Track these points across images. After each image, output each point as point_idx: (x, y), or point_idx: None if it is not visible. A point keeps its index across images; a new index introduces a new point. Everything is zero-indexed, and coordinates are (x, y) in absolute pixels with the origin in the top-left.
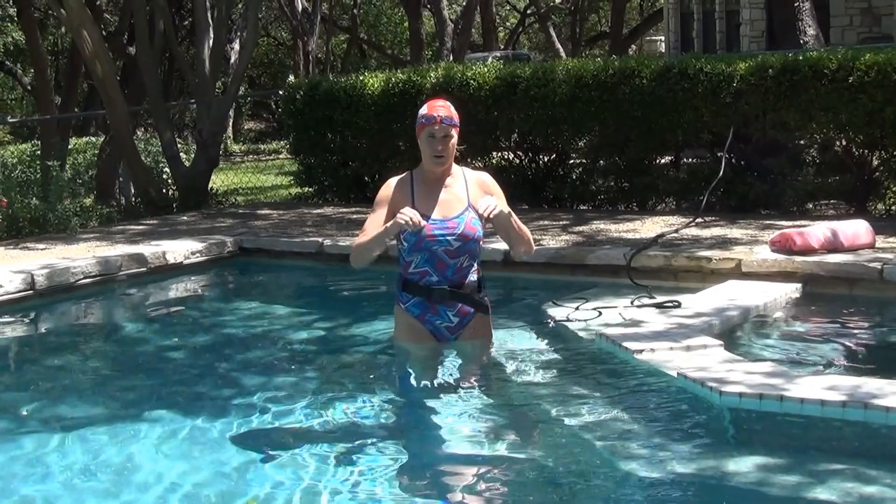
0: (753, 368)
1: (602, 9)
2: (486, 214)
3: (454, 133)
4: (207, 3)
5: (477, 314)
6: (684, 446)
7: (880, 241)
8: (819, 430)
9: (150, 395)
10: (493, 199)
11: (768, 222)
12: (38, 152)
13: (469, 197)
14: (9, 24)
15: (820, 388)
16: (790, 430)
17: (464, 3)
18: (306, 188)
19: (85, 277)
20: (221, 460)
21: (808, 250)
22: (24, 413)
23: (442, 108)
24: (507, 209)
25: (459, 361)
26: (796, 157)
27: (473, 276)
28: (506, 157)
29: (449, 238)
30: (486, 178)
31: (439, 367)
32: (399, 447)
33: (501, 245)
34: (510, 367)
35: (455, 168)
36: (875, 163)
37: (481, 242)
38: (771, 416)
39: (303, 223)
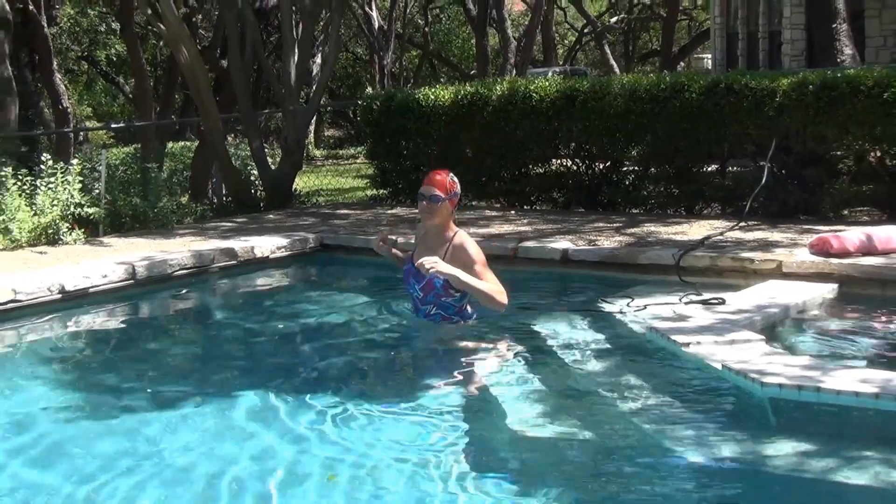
0: (792, 361)
1: (653, 28)
2: (422, 271)
3: (438, 206)
4: (293, 21)
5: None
6: (727, 432)
7: None
8: (853, 420)
9: (235, 377)
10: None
11: (807, 227)
12: (139, 155)
13: (445, 257)
14: (112, 38)
15: (854, 380)
16: (826, 419)
17: (526, 23)
18: (381, 190)
19: (181, 269)
20: (299, 434)
21: (844, 253)
22: (122, 389)
23: (431, 187)
24: (454, 272)
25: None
26: (833, 167)
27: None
28: (564, 164)
29: (416, 287)
30: (467, 246)
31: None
32: (463, 427)
33: (559, 244)
34: (567, 355)
35: (451, 233)
36: None
37: (449, 299)
38: (808, 406)
39: (378, 222)
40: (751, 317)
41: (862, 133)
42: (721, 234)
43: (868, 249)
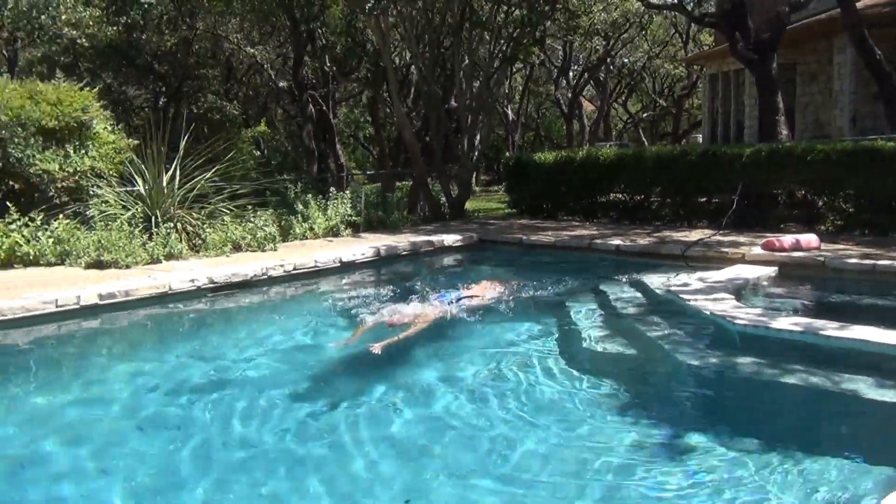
0: (751, 311)
1: (667, 120)
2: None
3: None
4: (466, 116)
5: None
6: (713, 351)
7: (823, 246)
8: (787, 346)
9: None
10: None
11: (760, 234)
12: (381, 189)
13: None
14: (366, 125)
15: (788, 323)
16: (770, 345)
17: (595, 116)
18: (513, 209)
19: (404, 251)
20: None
21: (782, 250)
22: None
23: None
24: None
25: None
26: (775, 199)
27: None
28: (617, 196)
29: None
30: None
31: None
32: (555, 344)
33: (614, 241)
34: (619, 304)
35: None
36: (819, 203)
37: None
38: (760, 337)
39: (511, 228)
40: (726, 284)
41: (792, 179)
42: (709, 237)
43: (797, 248)
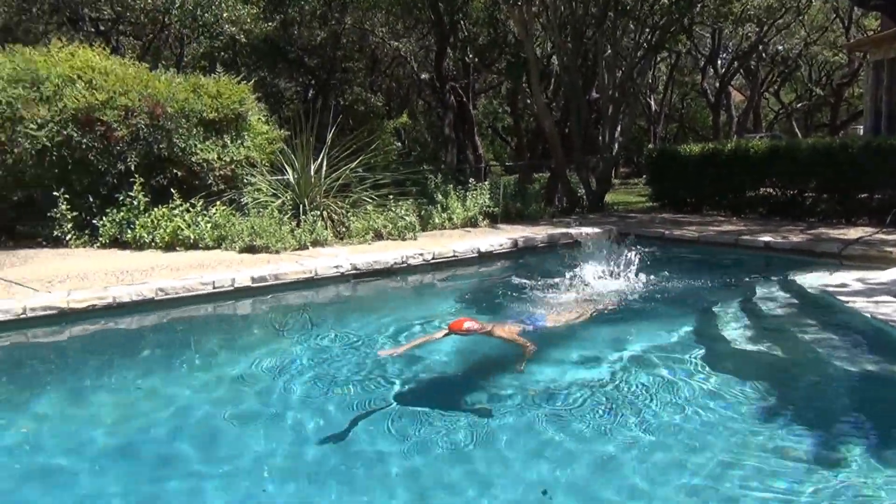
0: None
1: (824, 111)
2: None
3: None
4: (608, 106)
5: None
6: (871, 356)
7: None
8: None
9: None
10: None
11: None
12: (518, 180)
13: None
14: (504, 115)
15: None
16: None
17: (744, 106)
18: (654, 203)
19: (541, 243)
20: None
21: None
22: (503, 291)
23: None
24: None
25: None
26: None
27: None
28: (768, 190)
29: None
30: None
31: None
32: (699, 344)
33: (763, 238)
34: (767, 304)
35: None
36: None
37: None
38: None
39: (652, 222)
40: (889, 287)
41: None
42: (870, 235)
43: None
